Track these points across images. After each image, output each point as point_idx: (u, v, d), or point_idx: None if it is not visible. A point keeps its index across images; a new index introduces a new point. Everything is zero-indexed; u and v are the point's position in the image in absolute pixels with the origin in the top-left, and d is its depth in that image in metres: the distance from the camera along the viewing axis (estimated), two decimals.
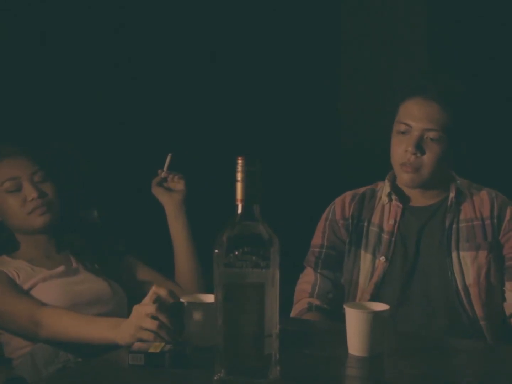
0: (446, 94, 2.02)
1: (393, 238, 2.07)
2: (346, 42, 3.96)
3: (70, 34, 2.81)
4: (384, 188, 2.13)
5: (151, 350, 1.46)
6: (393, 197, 2.10)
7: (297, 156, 3.67)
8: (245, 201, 1.32)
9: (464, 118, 2.02)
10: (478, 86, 3.50)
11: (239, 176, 1.32)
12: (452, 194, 2.06)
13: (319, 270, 2.14)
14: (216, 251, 1.32)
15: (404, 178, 2.04)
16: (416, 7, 3.78)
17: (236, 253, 1.30)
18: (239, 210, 1.32)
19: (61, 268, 2.06)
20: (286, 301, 2.11)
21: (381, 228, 2.09)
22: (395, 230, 2.08)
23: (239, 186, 1.32)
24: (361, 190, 2.18)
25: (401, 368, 1.48)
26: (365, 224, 2.12)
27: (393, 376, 1.48)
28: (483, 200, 2.07)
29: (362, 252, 2.10)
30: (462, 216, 2.06)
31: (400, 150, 2.02)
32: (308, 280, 2.15)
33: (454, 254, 2.03)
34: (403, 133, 2.02)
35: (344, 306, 1.58)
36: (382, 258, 2.06)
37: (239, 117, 3.40)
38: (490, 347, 1.84)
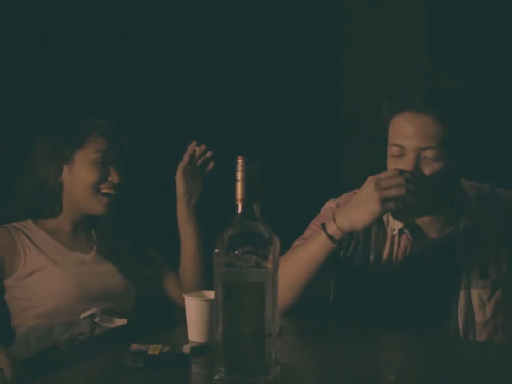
0: (440, 102, 1.73)
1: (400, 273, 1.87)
2: (346, 42, 3.96)
3: (69, 37, 2.81)
4: (394, 221, 1.88)
5: (150, 352, 1.45)
6: (405, 231, 1.87)
7: (297, 156, 3.67)
8: (245, 201, 1.32)
9: (464, 125, 1.76)
10: (479, 86, 3.50)
11: (239, 175, 1.32)
12: (462, 225, 1.85)
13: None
14: (216, 250, 1.31)
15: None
16: (416, 7, 3.78)
17: (237, 252, 1.30)
18: (239, 210, 1.32)
19: (78, 255, 2.07)
20: None
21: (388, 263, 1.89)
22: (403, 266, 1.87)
23: (239, 186, 1.32)
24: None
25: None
26: (372, 258, 1.89)
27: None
28: (497, 221, 1.87)
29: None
30: (474, 249, 1.86)
31: None
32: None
33: (462, 293, 1.85)
34: (398, 156, 1.76)
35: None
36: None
37: (239, 117, 3.40)
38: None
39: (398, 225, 1.88)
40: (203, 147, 2.17)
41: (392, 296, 1.85)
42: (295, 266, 1.78)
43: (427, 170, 1.73)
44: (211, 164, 2.18)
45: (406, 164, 1.73)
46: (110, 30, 2.93)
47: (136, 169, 2.20)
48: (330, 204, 1.99)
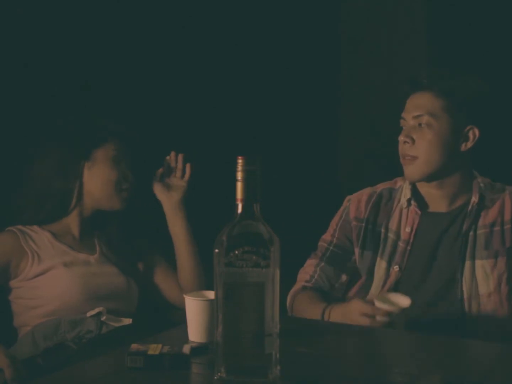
0: (441, 82, 1.99)
1: (408, 247, 2.02)
2: (346, 42, 3.96)
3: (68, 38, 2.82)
4: (404, 191, 2.08)
5: (150, 352, 1.45)
6: (412, 203, 2.05)
7: (297, 156, 3.67)
8: (245, 201, 1.32)
9: (467, 103, 1.97)
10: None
11: (239, 175, 1.32)
12: (474, 199, 2.01)
13: (321, 265, 2.14)
14: (216, 250, 1.31)
15: (405, 172, 2.02)
16: (415, 6, 3.78)
17: (236, 252, 1.29)
18: (239, 210, 1.32)
19: (83, 256, 2.09)
20: (286, 301, 2.11)
21: (398, 236, 2.05)
22: (411, 239, 2.03)
23: (239, 186, 1.32)
24: (379, 188, 2.13)
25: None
26: (383, 230, 2.07)
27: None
28: (505, 203, 2.01)
29: (378, 259, 2.06)
30: (481, 223, 2.00)
31: (400, 144, 2.02)
32: (307, 271, 2.17)
33: (467, 263, 1.97)
34: (402, 128, 2.03)
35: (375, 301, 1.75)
36: (396, 267, 2.02)
37: (240, 117, 3.40)
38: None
39: (406, 195, 2.06)
40: (172, 154, 2.22)
41: (399, 268, 2.01)
42: (297, 311, 2.07)
43: (418, 136, 1.97)
44: (187, 171, 2.21)
45: (403, 131, 2.00)
46: (108, 31, 2.93)
47: (142, 169, 2.22)
48: (349, 197, 2.19)
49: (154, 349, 1.47)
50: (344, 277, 2.13)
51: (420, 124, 1.97)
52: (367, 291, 2.07)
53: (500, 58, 3.63)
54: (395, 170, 2.11)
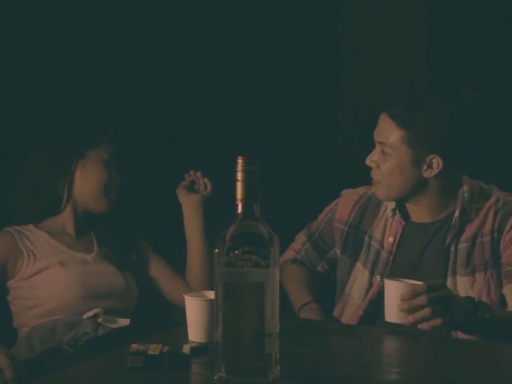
0: (402, 114, 1.92)
1: (391, 257, 2.01)
2: (346, 42, 3.96)
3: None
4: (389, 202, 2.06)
5: (150, 352, 1.45)
6: (397, 213, 2.03)
7: (297, 156, 3.67)
8: (245, 201, 1.32)
9: (428, 134, 1.90)
10: (478, 84, 3.50)
11: (239, 175, 1.32)
12: (456, 214, 1.97)
13: (307, 245, 2.24)
14: (217, 250, 1.31)
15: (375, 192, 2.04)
16: (415, 6, 3.78)
17: (237, 252, 1.29)
18: (239, 210, 1.32)
19: (81, 255, 2.09)
20: (286, 300, 2.11)
21: (381, 245, 2.04)
22: (394, 250, 2.02)
23: (239, 186, 1.32)
24: (372, 189, 2.10)
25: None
26: (366, 238, 2.07)
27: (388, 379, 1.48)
28: (488, 214, 1.96)
29: (361, 266, 2.06)
30: (464, 236, 1.96)
31: None
32: (297, 244, 2.26)
33: (449, 280, 1.94)
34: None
35: (384, 280, 1.80)
36: (378, 277, 2.01)
37: (240, 118, 3.40)
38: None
39: (391, 205, 2.05)
40: (192, 173, 2.28)
41: (381, 278, 2.00)
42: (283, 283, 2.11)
43: (381, 162, 1.96)
44: (208, 184, 2.27)
45: (369, 155, 1.99)
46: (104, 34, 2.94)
47: (132, 174, 2.25)
48: (344, 192, 2.21)
49: (154, 349, 1.47)
50: (324, 265, 2.22)
51: (382, 150, 1.96)
52: (339, 297, 2.11)
53: (500, 58, 3.63)
54: None
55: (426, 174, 1.94)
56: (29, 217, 2.11)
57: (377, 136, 1.98)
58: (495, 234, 1.94)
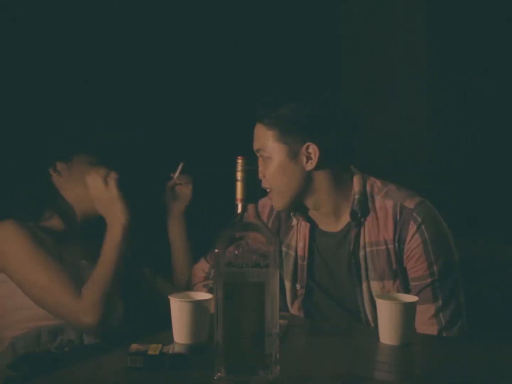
0: (267, 114, 1.96)
1: (305, 263, 1.98)
2: (346, 42, 3.96)
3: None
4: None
5: (150, 352, 1.45)
6: (300, 218, 1.99)
7: None
8: (245, 201, 1.32)
9: (296, 126, 1.91)
10: (478, 84, 3.50)
11: (239, 175, 1.32)
12: (348, 219, 1.93)
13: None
14: (217, 250, 1.31)
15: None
16: (415, 6, 3.78)
17: (236, 252, 1.30)
18: (239, 209, 1.32)
19: (75, 260, 2.05)
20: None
21: (295, 251, 2.00)
22: (306, 254, 1.98)
23: (239, 186, 1.32)
24: None
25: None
26: (284, 248, 2.02)
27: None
28: (387, 216, 1.91)
29: (284, 279, 2.02)
30: (367, 240, 1.92)
31: None
32: (201, 268, 2.15)
33: (364, 284, 1.92)
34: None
35: (375, 298, 1.70)
36: (297, 286, 1.99)
37: (239, 118, 3.40)
38: None
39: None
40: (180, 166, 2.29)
41: (301, 286, 1.99)
42: None
43: (266, 169, 1.93)
44: (189, 188, 2.28)
45: None
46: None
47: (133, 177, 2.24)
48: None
49: (154, 349, 1.47)
50: None
51: (262, 157, 1.94)
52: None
53: (500, 58, 3.63)
54: (395, 170, 2.11)
55: (308, 166, 1.91)
56: (29, 214, 2.09)
57: (255, 145, 1.97)
58: (397, 244, 1.89)
